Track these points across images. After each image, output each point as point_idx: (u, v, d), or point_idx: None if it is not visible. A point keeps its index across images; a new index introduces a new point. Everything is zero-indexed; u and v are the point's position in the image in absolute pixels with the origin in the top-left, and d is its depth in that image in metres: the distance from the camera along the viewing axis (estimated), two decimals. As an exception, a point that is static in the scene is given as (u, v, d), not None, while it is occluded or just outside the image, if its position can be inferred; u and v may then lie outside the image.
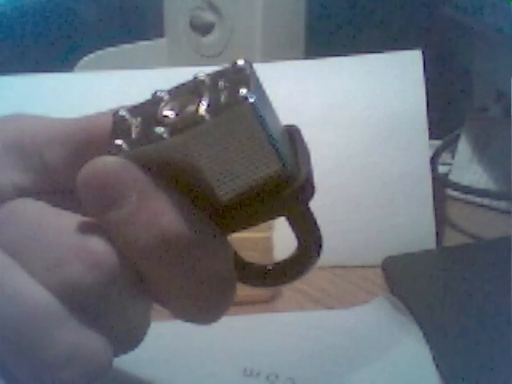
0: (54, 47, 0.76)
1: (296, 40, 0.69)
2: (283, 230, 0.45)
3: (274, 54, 0.66)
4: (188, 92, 0.22)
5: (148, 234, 0.21)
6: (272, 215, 0.23)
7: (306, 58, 0.65)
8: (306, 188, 0.23)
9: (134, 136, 0.22)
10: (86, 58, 0.70)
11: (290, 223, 0.24)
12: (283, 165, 0.22)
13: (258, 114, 0.21)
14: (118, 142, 0.22)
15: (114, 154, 0.22)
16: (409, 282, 0.45)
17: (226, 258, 0.24)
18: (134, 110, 0.23)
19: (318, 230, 0.25)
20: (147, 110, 0.23)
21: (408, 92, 0.51)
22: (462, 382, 0.35)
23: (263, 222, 0.23)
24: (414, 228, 0.49)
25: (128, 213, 0.21)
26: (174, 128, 0.21)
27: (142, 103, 0.23)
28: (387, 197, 0.50)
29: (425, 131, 0.50)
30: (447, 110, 0.67)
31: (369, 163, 0.50)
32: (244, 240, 0.42)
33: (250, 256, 0.43)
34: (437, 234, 0.49)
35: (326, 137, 0.50)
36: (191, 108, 0.22)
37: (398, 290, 0.43)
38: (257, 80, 0.22)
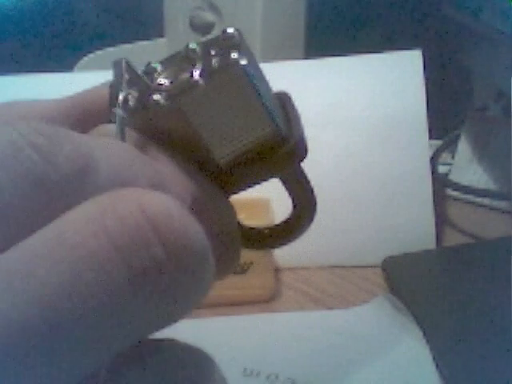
0: (54, 47, 0.76)
1: (296, 40, 0.69)
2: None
3: (273, 54, 0.66)
4: (181, 61, 0.23)
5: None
6: (268, 175, 0.24)
7: (305, 58, 0.65)
8: (299, 148, 0.24)
9: (130, 105, 0.23)
10: (85, 58, 0.70)
11: (286, 186, 0.25)
12: (276, 126, 0.23)
13: (250, 76, 0.21)
14: (117, 111, 0.22)
15: (113, 122, 0.22)
16: (409, 282, 0.45)
17: (230, 216, 0.24)
18: (130, 81, 0.24)
19: (312, 192, 0.25)
20: (142, 81, 0.23)
21: (408, 92, 0.51)
22: (462, 382, 0.35)
23: (260, 182, 0.24)
24: (414, 228, 0.49)
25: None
26: (170, 94, 0.22)
27: (136, 75, 0.24)
28: (387, 197, 0.50)
29: (425, 131, 0.50)
30: (447, 110, 0.67)
31: (369, 163, 0.50)
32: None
33: (250, 256, 0.43)
34: (437, 234, 0.49)
35: (325, 137, 0.50)
36: (185, 75, 0.22)
37: (398, 290, 0.43)
38: (247, 47, 0.23)
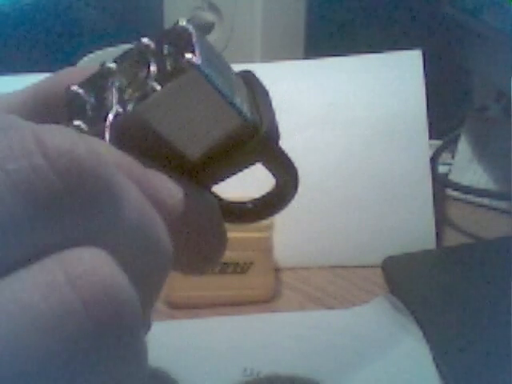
0: (54, 47, 0.76)
1: (296, 40, 0.69)
2: (283, 230, 0.45)
3: (273, 54, 0.66)
4: (135, 60, 0.22)
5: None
6: (246, 164, 0.24)
7: (305, 58, 0.65)
8: (270, 133, 0.23)
9: (90, 114, 0.22)
10: (85, 58, 0.70)
11: (266, 167, 0.24)
12: (243, 119, 0.22)
13: (207, 76, 0.21)
14: (77, 122, 0.22)
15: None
16: (409, 282, 0.45)
17: (211, 205, 0.24)
18: (86, 84, 0.23)
19: (293, 165, 0.25)
20: (99, 85, 0.23)
21: (408, 92, 0.51)
22: (462, 382, 0.35)
23: (238, 171, 0.24)
24: (413, 228, 0.49)
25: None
26: (128, 101, 0.22)
27: (92, 76, 0.23)
28: (387, 197, 0.50)
29: (425, 131, 0.50)
30: (447, 110, 0.67)
31: (369, 163, 0.50)
32: (244, 240, 0.42)
33: (250, 256, 0.43)
34: (437, 234, 0.49)
35: (325, 137, 0.50)
36: (141, 76, 0.22)
37: (398, 290, 0.43)
38: (200, 38, 0.22)
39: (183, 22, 0.22)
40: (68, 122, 0.22)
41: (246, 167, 0.24)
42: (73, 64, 0.69)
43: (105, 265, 0.16)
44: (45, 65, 0.55)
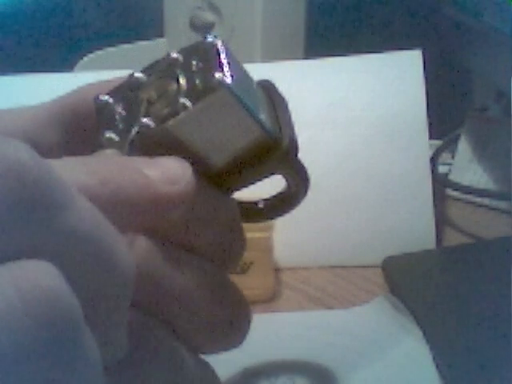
0: (54, 47, 0.76)
1: (296, 40, 0.69)
2: (283, 230, 0.45)
3: (273, 54, 0.66)
4: (164, 73, 0.23)
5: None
6: (264, 174, 0.25)
7: (305, 58, 0.65)
8: (291, 148, 0.24)
9: (121, 126, 0.23)
10: (85, 58, 0.70)
11: (284, 177, 0.26)
12: (267, 134, 0.24)
13: (236, 94, 0.22)
14: (108, 134, 0.23)
15: (106, 147, 0.23)
16: (409, 281, 0.45)
17: (232, 210, 0.25)
18: (115, 94, 0.24)
19: (306, 172, 0.26)
20: (128, 95, 0.23)
21: (408, 92, 0.51)
22: (462, 382, 0.35)
23: (258, 180, 0.25)
24: (413, 228, 0.49)
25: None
26: (160, 117, 0.22)
27: (120, 85, 0.24)
28: (387, 197, 0.50)
29: (425, 131, 0.50)
30: (447, 110, 0.67)
31: (369, 163, 0.50)
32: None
33: (250, 256, 0.43)
34: (437, 234, 0.49)
35: (325, 136, 0.50)
36: (171, 91, 0.23)
37: (398, 290, 0.43)
38: (227, 53, 0.23)
39: (211, 38, 0.23)
40: (99, 133, 0.23)
41: (267, 177, 0.25)
42: (73, 64, 0.69)
43: (47, 273, 0.16)
44: (45, 65, 0.55)
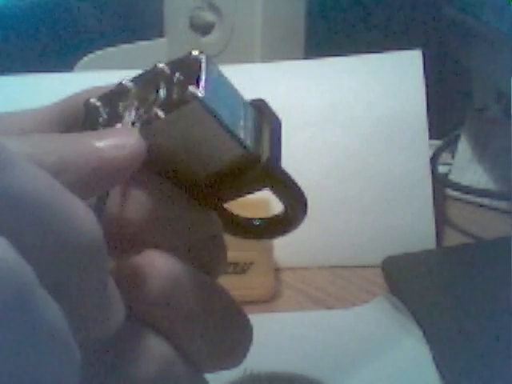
0: (54, 47, 0.76)
1: (296, 40, 0.69)
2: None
3: (274, 54, 0.66)
4: (148, 82, 0.24)
5: (136, 209, 0.23)
6: (247, 189, 0.25)
7: (305, 58, 0.65)
8: (270, 164, 0.24)
9: (100, 129, 0.23)
10: (85, 58, 0.70)
11: (273, 192, 0.25)
12: (244, 149, 0.24)
13: (208, 108, 0.22)
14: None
15: None
16: (409, 282, 0.45)
17: (212, 225, 0.25)
18: (103, 99, 0.24)
19: (300, 191, 0.26)
20: (113, 101, 0.24)
21: (408, 92, 0.51)
22: (462, 382, 0.35)
23: (241, 195, 0.25)
24: (414, 228, 0.49)
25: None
26: (134, 123, 0.23)
27: (110, 91, 0.24)
28: (387, 197, 0.50)
29: (425, 131, 0.50)
30: (447, 110, 0.67)
31: (369, 163, 0.50)
32: (244, 240, 0.42)
33: (250, 256, 0.43)
34: (437, 234, 0.49)
35: (325, 136, 0.50)
36: (150, 101, 0.23)
37: (398, 290, 0.43)
38: (210, 69, 0.23)
39: (195, 52, 0.23)
40: (81, 130, 0.23)
41: (252, 192, 0.25)
42: (73, 64, 0.69)
43: None
44: (45, 65, 0.55)
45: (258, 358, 0.36)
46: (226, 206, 0.26)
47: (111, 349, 0.21)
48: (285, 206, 0.26)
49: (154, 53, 0.72)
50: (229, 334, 0.25)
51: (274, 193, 0.25)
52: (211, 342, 0.24)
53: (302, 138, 0.50)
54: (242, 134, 0.23)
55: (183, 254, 0.24)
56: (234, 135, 0.23)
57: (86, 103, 0.24)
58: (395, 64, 0.53)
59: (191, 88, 0.22)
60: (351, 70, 0.53)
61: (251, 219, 0.28)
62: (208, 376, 0.25)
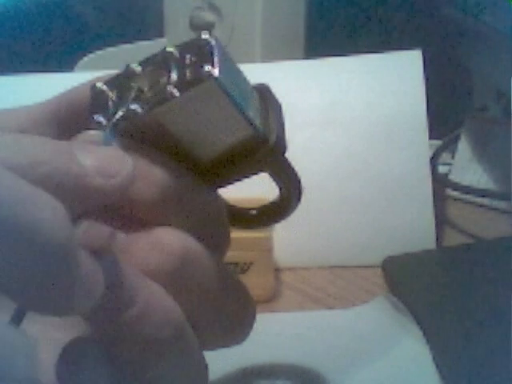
0: (54, 47, 0.76)
1: (296, 40, 0.69)
2: (283, 230, 0.45)
3: (274, 54, 0.66)
4: (158, 65, 0.24)
5: (147, 188, 0.23)
6: (253, 171, 0.25)
7: (305, 58, 0.65)
8: (278, 145, 0.25)
9: (111, 111, 0.24)
10: (85, 58, 0.70)
11: (271, 175, 0.26)
12: (254, 129, 0.24)
13: (223, 87, 0.22)
14: (98, 118, 0.23)
15: (94, 129, 0.23)
16: (409, 282, 0.45)
17: (218, 205, 0.26)
18: (110, 82, 0.24)
19: (297, 178, 0.26)
20: (122, 84, 0.24)
21: (408, 92, 0.51)
22: (462, 382, 0.35)
23: (245, 177, 0.25)
24: (413, 228, 0.49)
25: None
26: (148, 104, 0.23)
27: (116, 75, 0.24)
28: (387, 197, 0.50)
29: (425, 131, 0.50)
30: (447, 110, 0.67)
31: (369, 163, 0.50)
32: (244, 240, 0.42)
33: (250, 256, 0.43)
34: (437, 234, 0.49)
35: (325, 136, 0.50)
36: (162, 82, 0.23)
37: (398, 290, 0.43)
38: (221, 50, 0.23)
39: (206, 35, 0.23)
40: (90, 116, 0.24)
41: (253, 174, 0.25)
42: (73, 64, 0.69)
43: None
44: (45, 65, 0.55)
45: (258, 358, 0.36)
46: (222, 196, 0.27)
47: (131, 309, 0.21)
48: (280, 192, 0.27)
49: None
50: (234, 309, 0.25)
51: (274, 176, 0.26)
52: (217, 316, 0.24)
53: (302, 138, 0.50)
54: (251, 116, 0.24)
55: (191, 233, 0.24)
56: (245, 115, 0.23)
57: (93, 87, 0.24)
58: (395, 64, 0.53)
59: (207, 67, 0.22)
60: (351, 70, 0.53)
61: (247, 209, 0.28)
62: (208, 375, 0.26)
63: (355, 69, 0.53)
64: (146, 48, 0.72)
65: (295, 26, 0.69)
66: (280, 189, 0.27)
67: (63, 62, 0.66)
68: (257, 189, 0.30)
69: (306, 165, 0.53)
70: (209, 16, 0.68)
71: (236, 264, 0.43)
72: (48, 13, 0.77)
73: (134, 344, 0.22)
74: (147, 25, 0.76)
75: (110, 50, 0.71)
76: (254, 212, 0.28)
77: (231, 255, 0.42)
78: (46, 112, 0.27)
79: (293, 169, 0.26)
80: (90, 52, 0.70)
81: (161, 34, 0.72)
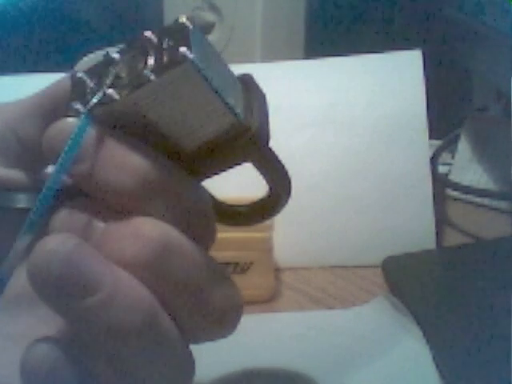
0: (54, 47, 0.76)
1: (296, 40, 0.69)
2: (283, 230, 0.45)
3: (274, 54, 0.66)
4: (136, 50, 0.24)
5: (125, 176, 0.23)
6: (235, 161, 0.24)
7: (305, 58, 0.65)
8: (261, 134, 0.24)
9: (88, 98, 0.23)
10: (85, 58, 0.69)
11: (256, 167, 0.25)
12: (235, 117, 0.23)
13: (200, 70, 0.22)
14: (75, 105, 0.23)
15: (72, 116, 0.23)
16: (409, 282, 0.45)
17: (201, 196, 0.25)
18: (90, 71, 0.24)
19: (285, 170, 0.26)
20: (101, 71, 0.24)
21: (408, 92, 0.51)
22: (462, 382, 0.35)
23: (229, 167, 0.25)
24: (414, 228, 0.49)
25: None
26: (124, 89, 0.22)
27: (96, 64, 0.25)
28: (387, 197, 0.50)
29: (425, 131, 0.50)
30: (447, 110, 0.67)
31: (369, 163, 0.50)
32: (244, 240, 0.42)
33: (250, 256, 0.43)
34: (437, 234, 0.49)
35: (326, 137, 0.50)
36: (139, 67, 0.23)
37: (398, 290, 0.43)
38: (198, 35, 0.23)
39: (183, 19, 0.23)
40: (68, 103, 0.24)
41: (236, 164, 0.25)
42: (73, 64, 0.69)
43: None
44: (45, 65, 0.55)
45: (257, 358, 0.36)
46: (212, 193, 0.26)
47: (98, 299, 0.22)
48: (269, 187, 0.26)
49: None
50: (219, 301, 0.25)
51: (259, 168, 0.25)
52: (200, 308, 0.24)
53: (302, 138, 0.50)
54: (232, 102, 0.23)
55: (173, 223, 0.24)
56: (224, 101, 0.23)
57: (73, 76, 0.24)
58: (395, 64, 0.53)
59: (182, 50, 0.22)
60: (351, 70, 0.53)
61: (236, 206, 0.28)
62: (207, 376, 0.25)
63: (355, 69, 0.53)
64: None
65: (295, 26, 0.69)
66: (268, 184, 0.26)
67: (63, 61, 0.66)
68: (253, 189, 0.30)
69: (306, 165, 0.53)
70: (209, 16, 0.68)
71: (236, 264, 0.43)
72: (48, 13, 0.77)
73: (101, 332, 0.22)
74: (147, 25, 0.76)
75: (110, 49, 0.71)
76: (243, 209, 0.28)
77: (231, 255, 0.43)
78: (31, 106, 0.27)
79: (279, 161, 0.25)
80: (90, 52, 0.70)
81: (161, 34, 0.72)
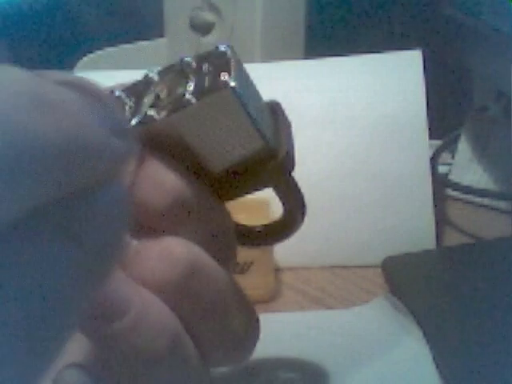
0: (54, 47, 0.76)
1: (296, 40, 0.69)
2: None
3: (273, 54, 0.66)
4: (176, 74, 0.24)
5: (161, 195, 0.23)
6: (259, 186, 0.25)
7: (305, 58, 0.65)
8: (287, 161, 0.25)
9: (128, 117, 0.24)
10: (85, 58, 0.70)
11: (276, 192, 0.26)
12: (265, 142, 0.24)
13: (239, 97, 0.23)
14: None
15: None
16: (409, 282, 0.45)
17: (224, 217, 0.26)
18: (128, 90, 0.25)
19: (302, 197, 0.27)
20: (140, 91, 0.25)
21: (408, 92, 0.51)
22: (462, 382, 0.35)
23: (253, 191, 0.26)
24: (413, 228, 0.49)
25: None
26: (164, 110, 0.23)
27: (134, 83, 0.25)
28: (387, 197, 0.50)
29: (425, 131, 0.50)
30: (447, 110, 0.67)
31: (369, 163, 0.50)
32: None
33: (250, 256, 0.43)
34: (437, 234, 0.49)
35: (325, 136, 0.50)
36: (179, 90, 0.24)
37: (398, 290, 0.43)
38: (238, 63, 0.24)
39: (223, 46, 0.24)
40: None
41: (259, 189, 0.26)
42: (73, 64, 0.69)
43: None
44: (45, 65, 0.55)
45: (258, 358, 0.36)
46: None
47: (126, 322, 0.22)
48: (284, 210, 0.27)
49: (153, 53, 0.72)
50: (238, 326, 0.25)
51: (280, 193, 0.26)
52: (221, 331, 0.24)
53: (302, 138, 0.50)
54: (263, 128, 0.24)
55: (199, 245, 0.24)
56: (258, 127, 0.24)
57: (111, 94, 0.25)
58: (395, 64, 0.53)
59: (224, 76, 0.22)
60: (351, 70, 0.53)
61: (251, 226, 0.28)
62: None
63: (355, 69, 0.53)
64: (146, 48, 0.72)
65: (295, 26, 0.69)
66: (285, 208, 0.27)
67: (63, 62, 0.66)
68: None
69: (306, 165, 0.53)
70: (209, 16, 0.68)
71: (236, 264, 0.43)
72: (48, 13, 0.77)
73: (128, 357, 0.22)
74: (147, 25, 0.76)
75: (110, 49, 0.71)
76: (258, 230, 0.28)
77: (231, 255, 0.43)
78: None
79: (299, 189, 0.26)
80: (90, 52, 0.70)
81: (161, 34, 0.72)
